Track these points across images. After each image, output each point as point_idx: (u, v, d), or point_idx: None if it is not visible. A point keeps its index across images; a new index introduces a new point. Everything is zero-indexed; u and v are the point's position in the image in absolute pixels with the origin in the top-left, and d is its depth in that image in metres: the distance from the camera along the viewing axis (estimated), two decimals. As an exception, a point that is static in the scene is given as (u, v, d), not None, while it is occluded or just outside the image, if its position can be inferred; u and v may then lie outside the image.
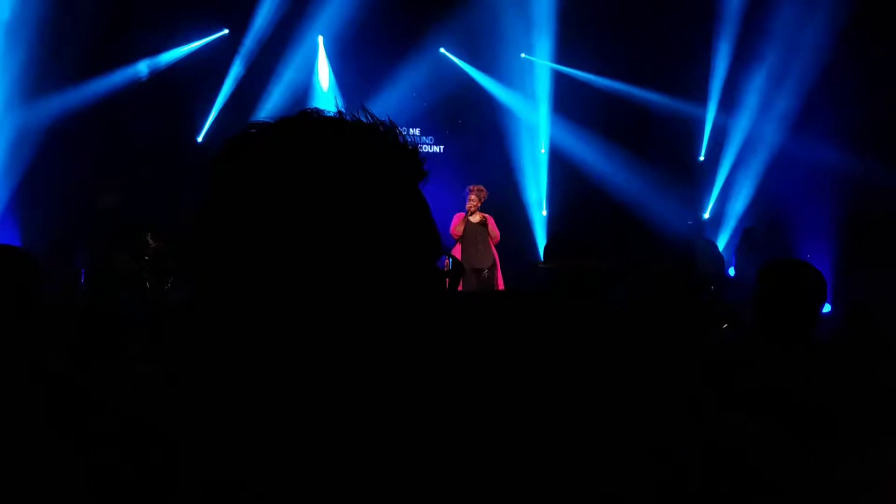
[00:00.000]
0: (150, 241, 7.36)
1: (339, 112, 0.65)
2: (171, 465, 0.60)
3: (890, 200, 8.26)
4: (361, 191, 0.59)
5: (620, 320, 0.73)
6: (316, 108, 0.65)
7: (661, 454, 0.72)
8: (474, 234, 7.08)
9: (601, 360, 0.70)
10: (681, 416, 0.74)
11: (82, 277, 7.09)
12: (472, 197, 7.07)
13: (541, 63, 9.26)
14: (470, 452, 0.62)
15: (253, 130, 0.63)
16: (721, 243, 9.15)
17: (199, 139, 8.69)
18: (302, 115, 0.64)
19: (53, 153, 7.55)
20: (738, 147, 9.29)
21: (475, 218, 7.10)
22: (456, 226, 7.08)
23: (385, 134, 0.65)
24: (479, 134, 9.15)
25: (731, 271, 8.79)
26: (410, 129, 9.31)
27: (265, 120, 0.64)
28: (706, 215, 9.50)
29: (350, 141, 0.62)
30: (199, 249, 0.60)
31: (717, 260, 8.39)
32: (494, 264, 7.18)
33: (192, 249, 0.61)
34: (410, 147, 0.66)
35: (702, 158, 9.72)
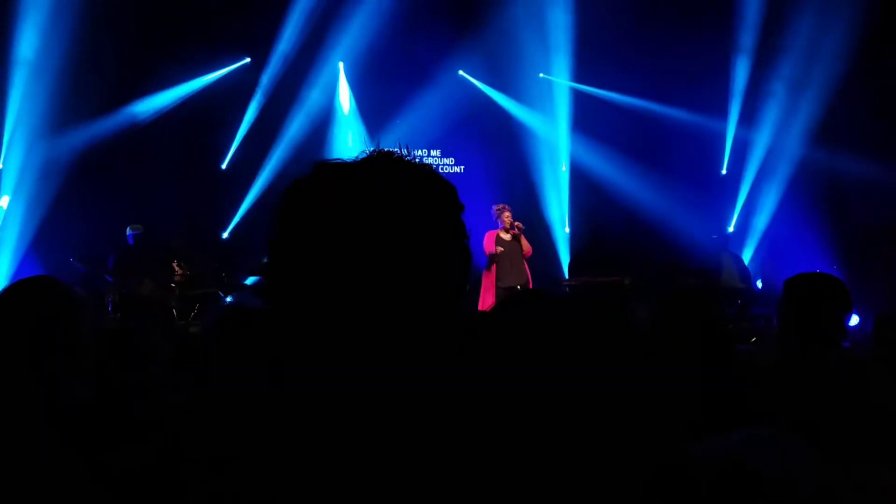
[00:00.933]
0: (177, 269, 7.47)
1: (390, 153, 0.72)
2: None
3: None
4: (409, 230, 0.66)
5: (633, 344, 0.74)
6: (377, 150, 0.72)
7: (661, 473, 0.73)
8: (508, 251, 6.88)
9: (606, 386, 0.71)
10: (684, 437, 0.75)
11: (110, 306, 7.20)
12: (507, 214, 6.88)
13: (559, 82, 9.31)
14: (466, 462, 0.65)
15: (319, 172, 0.70)
16: (746, 256, 9.03)
17: (224, 166, 8.84)
18: (360, 162, 0.70)
19: (80, 183, 7.72)
20: (760, 160, 9.23)
21: (507, 235, 6.91)
22: (490, 244, 6.88)
23: (427, 174, 0.71)
24: (500, 154, 9.19)
25: (759, 284, 8.65)
26: (431, 151, 9.39)
27: (329, 161, 0.71)
28: (731, 229, 9.40)
29: (400, 185, 0.68)
30: (272, 274, 0.68)
31: (744, 273, 8.28)
32: (527, 281, 7.05)
33: (268, 274, 0.69)
34: (449, 185, 0.73)
35: (724, 172, 9.65)
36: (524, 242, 6.95)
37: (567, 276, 8.92)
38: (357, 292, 0.63)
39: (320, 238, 0.65)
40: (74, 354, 2.15)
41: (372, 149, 0.71)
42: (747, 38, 8.93)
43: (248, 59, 8.71)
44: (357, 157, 0.70)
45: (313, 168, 0.69)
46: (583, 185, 9.32)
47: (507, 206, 7.00)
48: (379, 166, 0.69)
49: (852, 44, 8.13)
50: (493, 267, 6.86)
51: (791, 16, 8.53)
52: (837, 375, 1.83)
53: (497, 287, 6.81)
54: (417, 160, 0.74)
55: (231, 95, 8.54)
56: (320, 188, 0.68)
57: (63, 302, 2.09)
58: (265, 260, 0.70)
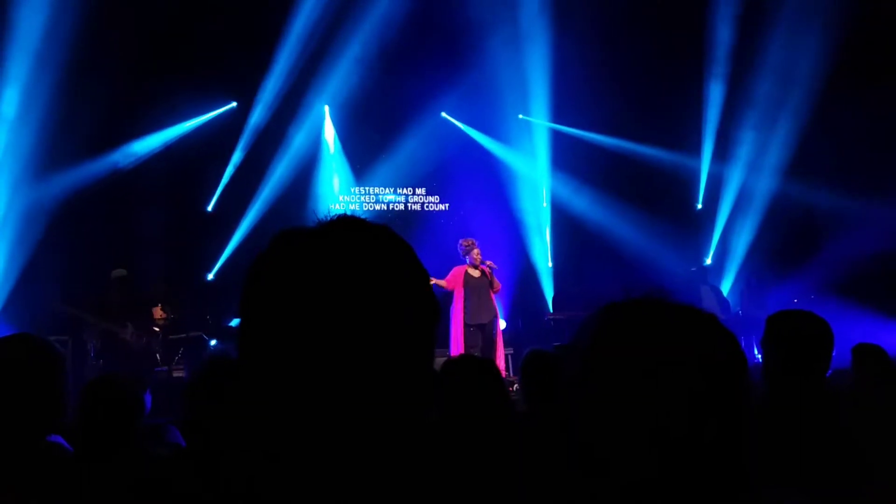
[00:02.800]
0: (160, 313, 7.38)
1: (349, 217, 0.73)
2: None
3: (886, 239, 8.38)
4: (371, 296, 0.67)
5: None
6: (338, 215, 0.74)
7: None
8: (477, 287, 6.82)
9: None
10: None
11: (92, 352, 7.08)
12: (476, 251, 6.83)
13: (538, 122, 9.55)
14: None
15: (278, 244, 0.72)
16: (724, 288, 9.22)
17: (209, 208, 8.85)
18: (319, 229, 0.72)
19: (65, 227, 7.66)
20: (735, 194, 9.51)
21: (476, 272, 6.87)
22: (453, 279, 6.84)
23: (386, 236, 0.73)
24: (484, 192, 9.34)
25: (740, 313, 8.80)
26: (417, 189, 9.52)
27: (289, 231, 0.73)
28: (708, 261, 9.61)
29: (359, 253, 0.70)
30: (240, 349, 0.70)
31: (723, 304, 8.45)
32: (495, 316, 7.04)
33: (239, 332, 0.70)
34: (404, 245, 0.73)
35: (699, 206, 9.90)
36: (495, 280, 6.89)
37: (552, 311, 9.01)
38: (322, 364, 0.65)
39: (281, 312, 0.66)
40: (53, 411, 2.16)
41: (333, 212, 0.73)
42: (719, 76, 9.29)
43: (234, 104, 8.82)
44: (319, 221, 0.72)
45: (274, 238, 0.72)
46: (564, 221, 9.49)
47: (474, 242, 6.92)
48: (337, 230, 0.71)
49: (822, 80, 8.48)
50: (461, 304, 6.80)
51: (762, 53, 8.90)
52: (821, 412, 1.92)
53: (466, 325, 6.75)
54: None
55: (217, 138, 8.60)
56: (279, 261, 0.69)
57: (42, 360, 2.11)
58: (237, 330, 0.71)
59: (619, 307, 0.87)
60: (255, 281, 0.70)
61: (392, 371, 0.67)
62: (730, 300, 8.81)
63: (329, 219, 0.72)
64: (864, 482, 1.67)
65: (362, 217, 0.73)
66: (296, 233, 0.72)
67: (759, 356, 2.05)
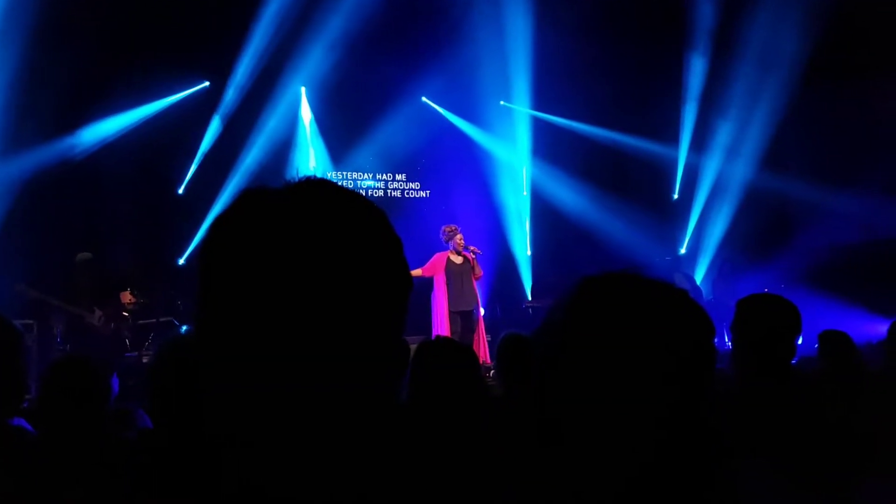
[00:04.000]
0: (130, 297, 7.24)
1: (318, 179, 0.68)
2: None
3: (856, 231, 8.55)
4: (338, 258, 0.63)
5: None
6: (306, 176, 0.69)
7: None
8: (459, 274, 6.80)
9: None
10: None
11: (58, 336, 6.93)
12: (459, 236, 6.80)
13: (519, 109, 9.53)
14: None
15: (242, 202, 0.66)
16: (698, 277, 9.35)
17: (180, 191, 8.68)
18: (286, 189, 0.67)
19: (30, 208, 7.46)
20: (711, 184, 9.62)
21: (458, 258, 6.85)
22: (433, 266, 6.81)
23: (357, 200, 0.68)
24: (464, 178, 9.31)
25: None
26: (397, 175, 9.45)
27: (254, 189, 0.68)
28: (682, 250, 9.73)
29: (328, 212, 0.65)
30: (198, 310, 0.65)
31: (696, 293, 8.57)
32: (477, 303, 7.05)
33: (197, 297, 0.65)
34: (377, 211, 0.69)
35: (676, 196, 10.00)
36: (476, 266, 6.88)
37: (530, 298, 9.05)
38: (284, 324, 0.60)
39: (245, 269, 0.62)
40: (14, 391, 2.09)
41: (301, 175, 0.68)
42: (698, 67, 9.37)
43: (207, 83, 8.62)
44: (285, 184, 0.67)
45: (239, 196, 0.67)
46: (543, 208, 9.52)
47: (457, 228, 6.90)
48: (306, 194, 0.66)
49: (798, 72, 8.59)
50: (444, 290, 6.79)
51: (741, 46, 8.98)
52: (789, 395, 1.93)
53: (449, 311, 6.75)
54: (349, 184, 0.73)
55: (189, 119, 8.41)
56: (243, 219, 0.64)
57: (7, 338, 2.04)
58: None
59: (595, 281, 0.85)
60: (216, 243, 0.65)
61: (361, 340, 0.62)
62: (702, 288, 8.93)
63: (298, 180, 0.67)
64: (829, 462, 1.69)
65: (332, 181, 0.68)
66: (261, 192, 0.66)
67: (729, 343, 2.08)
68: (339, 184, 0.69)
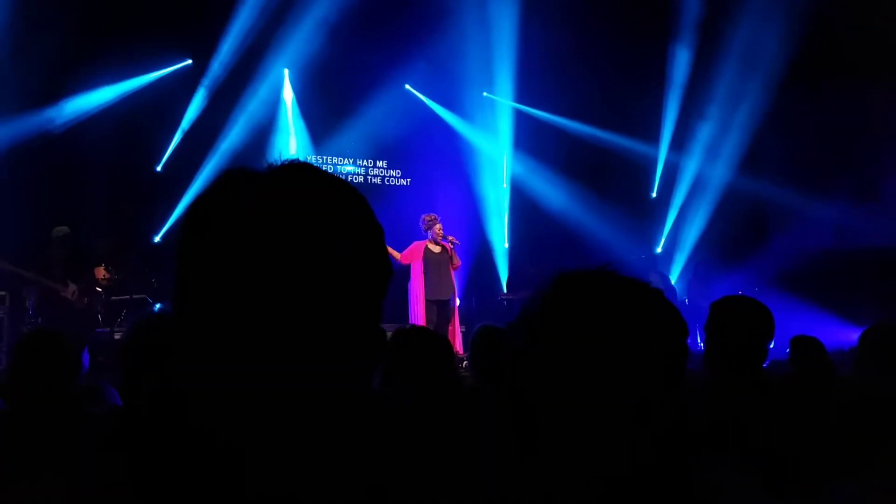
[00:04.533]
0: (105, 273, 7.15)
1: (301, 162, 0.68)
2: None
3: (829, 237, 8.71)
4: (319, 241, 0.63)
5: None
6: (288, 159, 0.68)
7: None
8: (437, 263, 6.78)
9: None
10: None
11: (30, 309, 6.83)
12: (438, 226, 6.78)
13: (502, 101, 9.53)
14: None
15: (225, 182, 0.66)
16: (673, 276, 9.47)
17: (159, 168, 8.55)
18: (269, 171, 0.67)
19: (5, 182, 7.32)
20: (689, 185, 9.72)
21: (436, 247, 6.83)
22: (411, 254, 6.80)
23: (339, 184, 0.68)
24: (445, 168, 9.30)
25: (686, 302, 9.07)
26: (378, 162, 9.40)
27: (237, 170, 0.67)
28: (658, 249, 9.83)
29: (311, 195, 0.65)
30: (176, 287, 0.64)
31: (670, 292, 8.68)
32: (454, 293, 7.07)
33: (175, 279, 0.65)
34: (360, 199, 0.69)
35: (654, 195, 10.10)
36: (454, 255, 6.89)
37: (505, 291, 9.09)
38: (262, 308, 0.60)
39: (224, 250, 0.61)
40: None
41: (283, 158, 0.68)
42: (681, 66, 9.44)
43: (189, 61, 8.48)
44: (267, 166, 0.67)
45: (220, 177, 0.66)
46: (522, 201, 9.55)
47: (436, 217, 6.89)
48: (288, 177, 0.65)
49: (779, 75, 8.70)
50: (422, 279, 6.79)
51: (722, 47, 9.06)
52: (760, 397, 1.98)
53: (426, 300, 6.75)
54: (329, 169, 0.71)
55: (170, 97, 8.27)
56: (223, 201, 0.64)
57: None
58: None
59: (571, 277, 0.86)
60: (195, 223, 0.64)
61: (340, 326, 0.63)
62: (677, 288, 9.05)
63: (280, 163, 0.67)
64: (798, 463, 1.73)
65: (314, 165, 0.68)
66: (242, 174, 0.66)
67: (702, 343, 2.12)
68: (321, 168, 0.69)
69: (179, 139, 8.46)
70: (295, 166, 0.67)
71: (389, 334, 2.51)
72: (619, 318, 0.81)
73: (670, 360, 0.82)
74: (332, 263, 0.63)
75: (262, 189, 0.64)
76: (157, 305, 7.41)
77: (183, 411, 0.63)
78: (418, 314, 6.80)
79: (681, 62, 9.37)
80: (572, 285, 0.85)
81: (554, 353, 0.81)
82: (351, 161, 9.27)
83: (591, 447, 0.79)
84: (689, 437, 0.86)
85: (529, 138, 9.47)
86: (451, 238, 6.87)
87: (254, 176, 0.66)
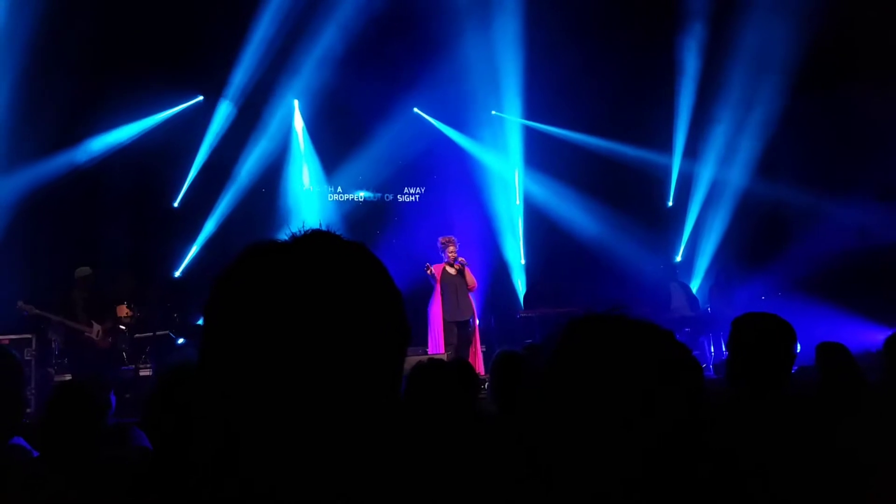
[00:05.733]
0: (126, 311, 7.25)
1: (321, 232, 0.71)
2: None
3: (851, 237, 8.58)
4: (343, 313, 0.65)
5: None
6: (309, 230, 0.71)
7: None
8: (454, 285, 6.85)
9: None
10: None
11: (56, 351, 6.93)
12: (452, 248, 6.86)
13: (511, 119, 9.57)
14: None
15: (248, 256, 0.69)
16: (694, 285, 9.35)
17: (176, 204, 8.69)
18: (290, 243, 0.69)
19: (28, 225, 7.47)
20: (705, 191, 9.64)
21: (452, 270, 6.89)
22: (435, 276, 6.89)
23: (359, 253, 0.70)
24: (457, 189, 9.33)
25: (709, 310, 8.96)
26: (391, 186, 9.43)
27: (259, 244, 0.70)
28: (678, 258, 9.73)
29: (332, 268, 0.68)
30: (206, 349, 0.67)
31: (692, 301, 8.57)
32: (473, 314, 7.07)
33: (202, 349, 0.68)
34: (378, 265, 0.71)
35: (670, 204, 10.02)
36: (469, 277, 6.96)
37: (523, 307, 9.05)
38: (288, 375, 0.63)
39: (253, 321, 0.64)
40: (13, 415, 2.14)
41: (302, 228, 0.71)
42: (690, 76, 9.40)
43: (200, 97, 8.65)
44: (290, 237, 0.70)
45: (246, 250, 0.69)
46: (536, 218, 9.53)
47: (452, 239, 6.97)
48: (310, 248, 0.68)
49: (792, 78, 8.64)
50: (439, 301, 6.84)
51: (733, 52, 9.02)
52: (782, 419, 1.95)
53: (444, 321, 6.79)
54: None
55: (183, 133, 8.43)
56: (249, 274, 0.67)
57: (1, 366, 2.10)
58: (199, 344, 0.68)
59: (580, 324, 0.87)
60: (221, 295, 0.67)
61: (358, 395, 0.65)
62: (699, 297, 8.94)
63: (301, 233, 0.70)
64: (823, 485, 1.70)
65: (335, 233, 0.71)
66: (265, 247, 0.69)
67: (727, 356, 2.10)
68: (340, 237, 0.71)
69: (194, 175, 8.60)
70: (315, 236, 0.70)
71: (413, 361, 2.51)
72: (630, 363, 0.82)
73: (684, 404, 0.82)
74: (356, 332, 0.65)
75: (285, 262, 0.67)
76: (180, 340, 7.49)
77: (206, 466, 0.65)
78: (437, 337, 6.80)
79: (690, 67, 9.32)
80: (581, 333, 0.86)
81: (566, 405, 0.82)
82: (363, 187, 9.33)
83: (604, 490, 0.80)
84: (706, 470, 0.86)
85: (540, 154, 9.48)
86: (460, 259, 6.91)
87: (276, 248, 0.69)
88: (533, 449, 0.84)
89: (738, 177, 9.37)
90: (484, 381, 5.42)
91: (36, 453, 2.27)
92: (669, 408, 0.82)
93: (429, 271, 6.84)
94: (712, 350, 8.18)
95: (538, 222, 9.49)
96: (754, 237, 9.27)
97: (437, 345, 6.76)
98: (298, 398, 0.63)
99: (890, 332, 3.38)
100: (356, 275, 0.68)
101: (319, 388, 0.63)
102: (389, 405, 0.68)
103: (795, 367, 2.28)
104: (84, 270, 6.80)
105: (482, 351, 7.19)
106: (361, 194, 9.33)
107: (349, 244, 0.70)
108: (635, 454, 0.79)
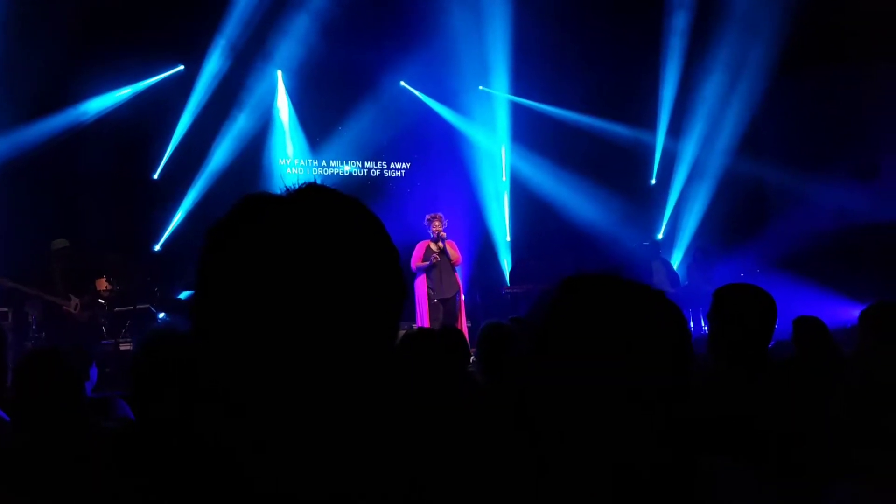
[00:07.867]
0: (106, 284, 7.15)
1: (317, 185, 0.70)
2: None
3: (829, 216, 8.70)
4: (340, 263, 0.64)
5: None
6: (305, 183, 0.70)
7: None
8: (438, 262, 6.86)
9: None
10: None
11: (34, 324, 6.84)
12: (437, 223, 6.85)
13: (498, 94, 9.50)
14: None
15: (244, 206, 0.68)
16: (675, 261, 9.47)
17: (156, 176, 8.54)
18: (287, 195, 0.68)
19: (2, 195, 7.32)
20: (688, 170, 9.70)
21: (436, 246, 6.88)
22: (418, 256, 6.87)
23: (355, 206, 0.70)
24: (443, 164, 9.29)
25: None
26: (377, 162, 9.38)
27: (255, 195, 0.69)
28: (660, 236, 9.82)
29: (329, 218, 0.67)
30: (198, 310, 0.66)
31: (673, 278, 8.67)
32: (458, 290, 7.10)
33: (196, 301, 0.66)
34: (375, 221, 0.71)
35: (653, 182, 10.08)
36: (451, 252, 6.94)
37: (509, 284, 9.10)
38: (285, 329, 0.62)
39: (246, 274, 0.63)
40: None
41: (298, 182, 0.69)
42: (675, 52, 9.40)
43: (181, 67, 8.46)
44: (284, 190, 0.68)
45: (240, 201, 0.68)
46: (522, 194, 9.54)
47: (438, 216, 6.94)
48: (307, 201, 0.67)
49: (775, 58, 8.67)
50: (424, 278, 6.85)
51: (717, 31, 9.02)
52: (763, 388, 1.98)
53: (430, 299, 6.81)
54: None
55: (164, 103, 8.25)
56: (248, 220, 0.66)
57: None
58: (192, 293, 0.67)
59: (574, 283, 0.87)
60: (217, 248, 0.66)
61: (355, 347, 0.64)
62: (679, 273, 9.05)
63: (297, 186, 0.69)
64: (804, 452, 1.73)
65: (331, 187, 0.70)
66: (261, 198, 0.68)
67: (706, 328, 2.12)
68: (321, 181, 0.70)
69: (175, 146, 8.44)
70: (313, 189, 0.69)
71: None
72: (623, 322, 0.82)
73: (675, 358, 0.82)
74: (353, 286, 0.64)
75: (283, 211, 0.66)
76: (161, 314, 7.42)
77: (205, 427, 0.64)
78: (423, 313, 6.82)
79: (675, 46, 9.33)
80: (577, 291, 0.85)
81: (560, 362, 0.82)
82: (349, 161, 9.25)
83: (596, 446, 0.80)
84: (694, 430, 0.87)
85: (527, 130, 9.45)
86: (441, 233, 6.91)
87: (274, 199, 0.67)
88: (522, 403, 0.84)
89: (720, 155, 9.44)
90: (470, 356, 5.47)
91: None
92: (664, 366, 0.82)
93: (434, 258, 6.82)
94: (691, 325, 8.30)
95: (524, 198, 9.49)
96: (735, 215, 9.37)
97: (423, 322, 6.77)
98: (298, 352, 0.62)
99: (866, 309, 3.44)
100: (358, 226, 0.68)
101: (319, 343, 0.62)
102: (390, 359, 0.68)
103: (772, 342, 2.30)
104: (60, 242, 6.68)
105: (468, 327, 7.22)
106: (347, 168, 9.25)
107: (347, 198, 0.70)
108: (631, 412, 0.80)
